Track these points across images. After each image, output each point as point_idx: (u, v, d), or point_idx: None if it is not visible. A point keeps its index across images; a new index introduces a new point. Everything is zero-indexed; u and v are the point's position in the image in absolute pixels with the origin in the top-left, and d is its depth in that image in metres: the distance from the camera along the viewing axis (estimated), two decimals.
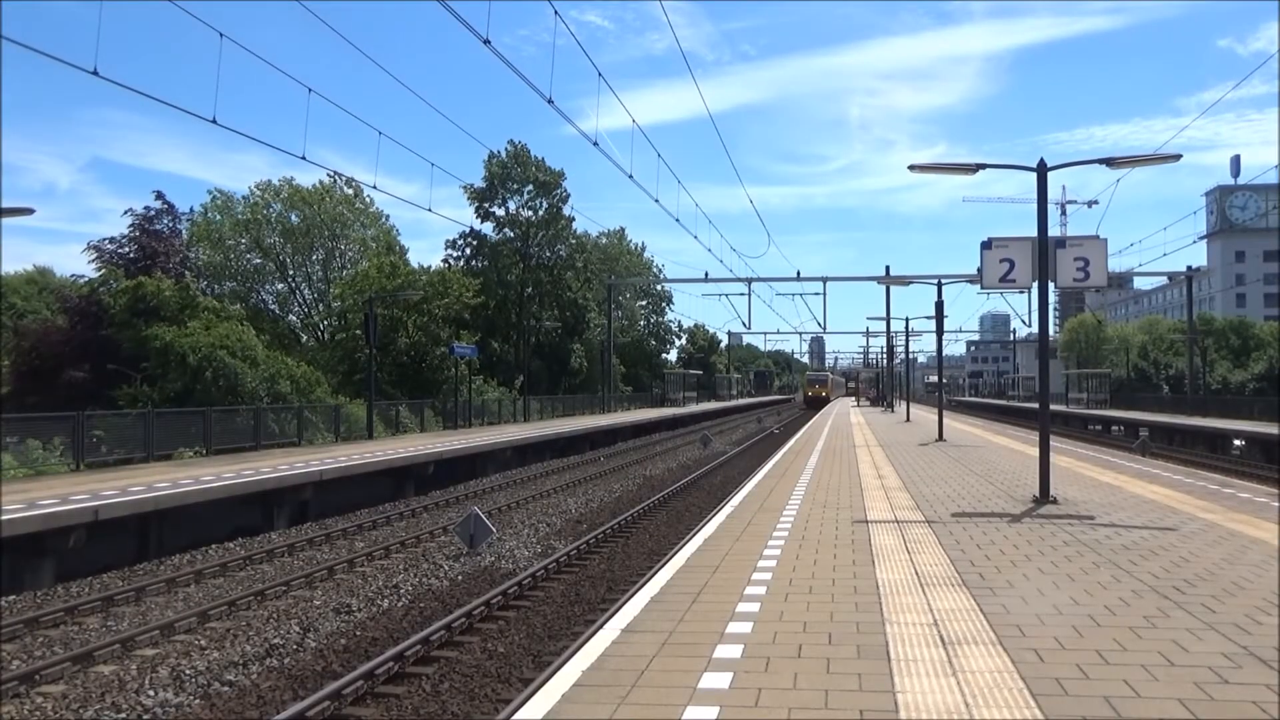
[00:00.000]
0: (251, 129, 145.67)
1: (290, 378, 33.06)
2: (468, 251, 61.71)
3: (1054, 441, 17.32)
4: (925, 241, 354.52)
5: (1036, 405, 15.22)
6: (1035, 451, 14.31)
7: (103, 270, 36.22)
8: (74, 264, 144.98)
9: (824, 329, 56.56)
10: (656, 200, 28.74)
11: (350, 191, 56.38)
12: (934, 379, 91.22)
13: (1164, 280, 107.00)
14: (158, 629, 10.71)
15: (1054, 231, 14.18)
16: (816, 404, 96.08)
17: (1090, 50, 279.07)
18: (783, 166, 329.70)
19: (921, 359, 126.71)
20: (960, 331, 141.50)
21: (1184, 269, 61.02)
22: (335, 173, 61.60)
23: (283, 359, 34.53)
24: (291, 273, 56.97)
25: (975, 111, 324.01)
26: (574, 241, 65.38)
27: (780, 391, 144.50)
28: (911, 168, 14.12)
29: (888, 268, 51.11)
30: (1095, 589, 7.40)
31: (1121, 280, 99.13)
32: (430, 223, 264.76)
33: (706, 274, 57.15)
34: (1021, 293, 29.26)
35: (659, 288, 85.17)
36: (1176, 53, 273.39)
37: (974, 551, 9.09)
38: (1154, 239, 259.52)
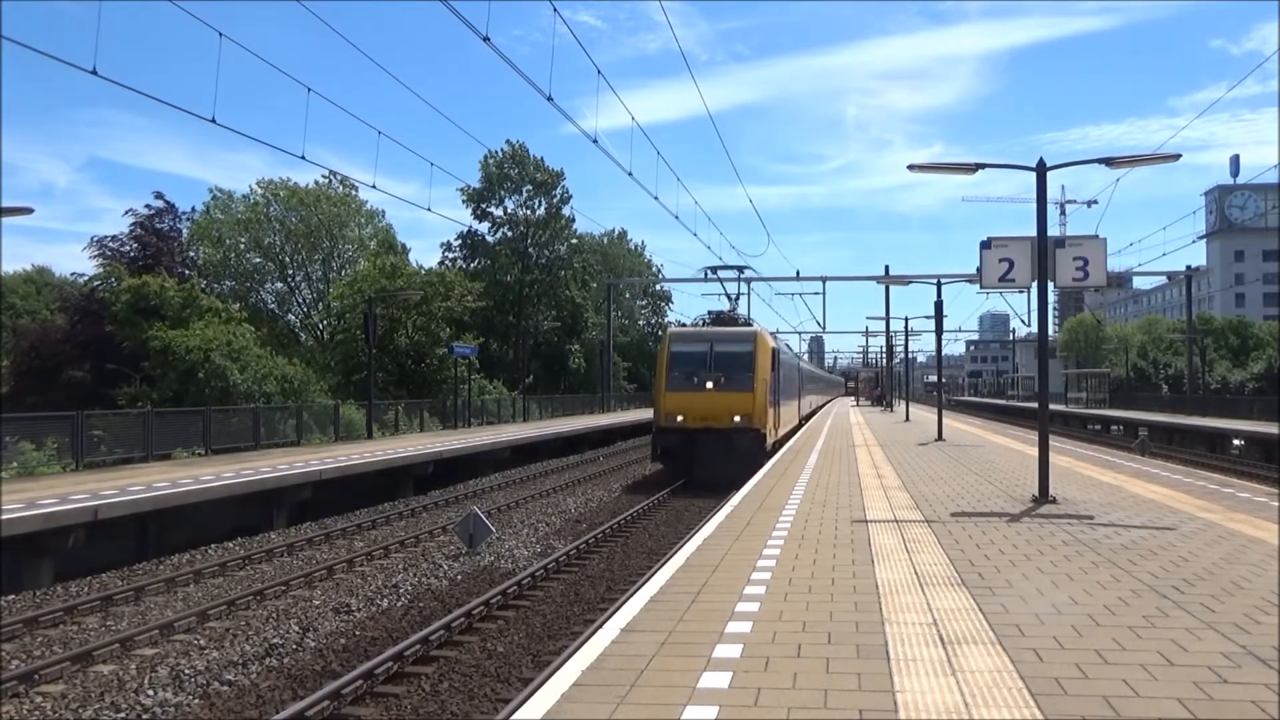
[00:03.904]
0: (251, 129, 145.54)
1: (281, 378, 33.06)
2: (463, 254, 61.68)
3: (1053, 441, 17.33)
4: (924, 241, 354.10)
5: (1036, 405, 15.21)
6: (1034, 451, 14.31)
7: (104, 267, 36.23)
8: (72, 263, 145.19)
9: (823, 329, 56.28)
10: (656, 197, 28.28)
11: (345, 190, 56.42)
12: (933, 378, 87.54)
13: (1163, 280, 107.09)
14: (157, 629, 10.70)
15: (1053, 231, 14.17)
16: (693, 458, 23.01)
17: (1084, 50, 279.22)
18: (779, 166, 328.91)
19: (921, 358, 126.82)
20: (960, 331, 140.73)
21: (1183, 269, 61.12)
22: (331, 172, 61.61)
23: (272, 359, 34.53)
24: (291, 272, 57.00)
25: (971, 111, 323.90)
26: (574, 242, 65.32)
27: None
28: (911, 167, 14.11)
29: (887, 267, 51.08)
30: (1094, 588, 7.40)
31: (1121, 280, 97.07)
32: (429, 222, 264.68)
33: (706, 274, 57.06)
34: (1021, 292, 29.23)
35: (658, 287, 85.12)
36: (1170, 53, 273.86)
37: (973, 551, 9.09)
38: (1153, 239, 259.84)
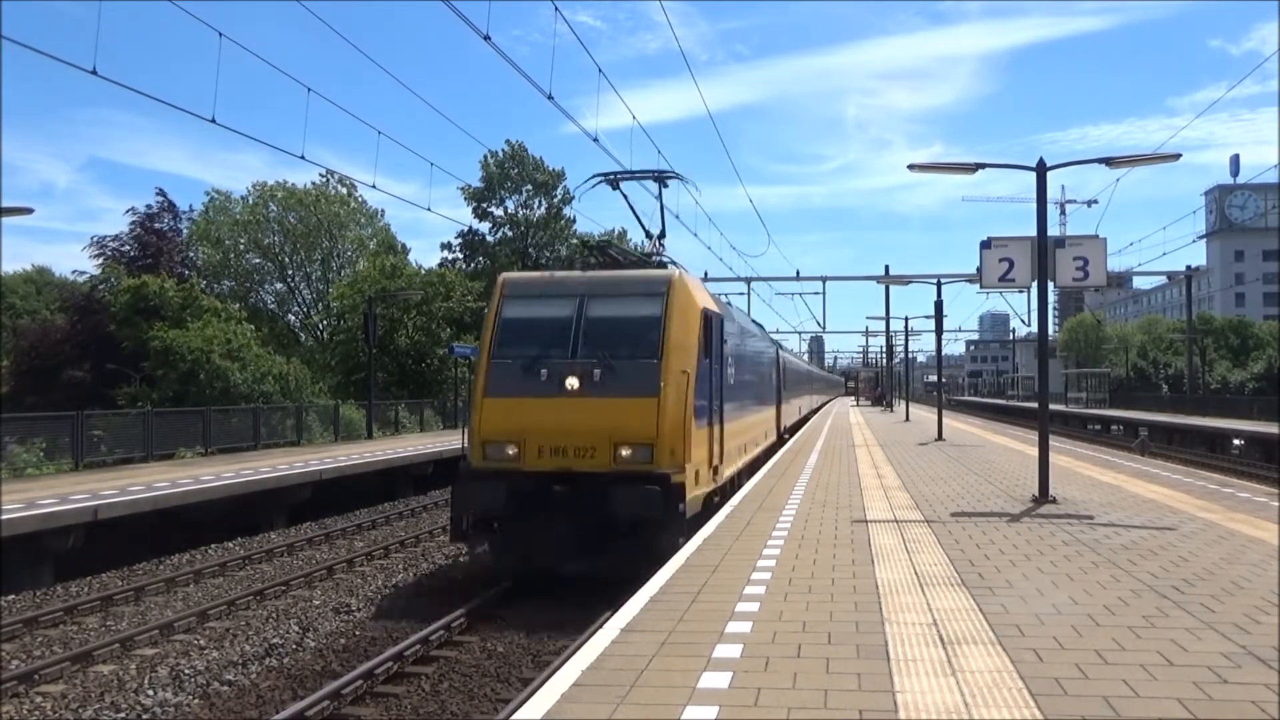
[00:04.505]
0: (251, 129, 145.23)
1: (278, 376, 33.09)
2: (463, 253, 61.66)
3: (1053, 441, 17.33)
4: (924, 241, 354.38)
5: (1036, 405, 15.21)
6: (1034, 451, 14.31)
7: (104, 267, 36.32)
8: (72, 263, 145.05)
9: (823, 329, 56.34)
10: (657, 197, 28.24)
11: (344, 190, 56.49)
12: (933, 378, 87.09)
13: (1163, 280, 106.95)
14: (157, 629, 10.71)
15: (1053, 231, 14.17)
16: (535, 535, 11.36)
17: (1083, 50, 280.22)
18: (780, 166, 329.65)
19: (921, 358, 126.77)
20: (960, 331, 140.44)
21: (1183, 268, 61.06)
22: (329, 171, 61.62)
23: (271, 358, 34.57)
24: (290, 273, 57.05)
25: (971, 111, 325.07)
26: (574, 242, 65.28)
27: None
28: (911, 167, 14.13)
29: (887, 267, 51.00)
30: (1094, 588, 7.40)
31: (1121, 280, 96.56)
32: (429, 222, 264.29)
33: (706, 273, 56.95)
34: (1021, 292, 29.19)
35: None
36: (1169, 53, 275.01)
37: (973, 551, 9.09)
38: (1153, 238, 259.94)
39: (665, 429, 11.42)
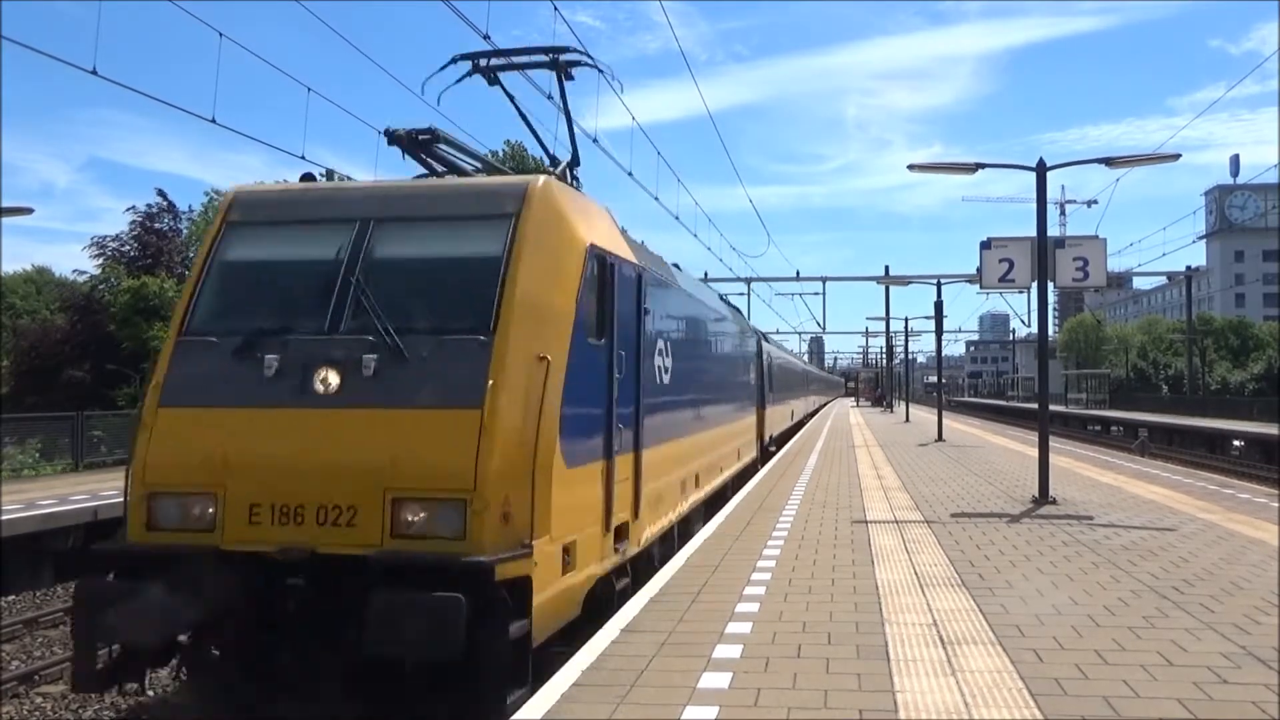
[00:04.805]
0: (250, 129, 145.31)
1: None
2: None
3: (1053, 442, 17.32)
4: (924, 241, 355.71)
5: (1036, 405, 15.22)
6: (1034, 452, 14.31)
7: (104, 267, 36.29)
8: (72, 263, 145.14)
9: (823, 329, 56.33)
10: (656, 198, 28.01)
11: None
12: (933, 379, 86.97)
13: (1163, 280, 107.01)
14: None
15: (1053, 231, 14.18)
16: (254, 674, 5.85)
17: (1083, 50, 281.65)
18: (780, 166, 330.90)
19: (921, 359, 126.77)
20: (960, 331, 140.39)
21: (1183, 269, 61.10)
22: (329, 171, 61.67)
23: None
24: None
25: (970, 111, 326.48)
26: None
27: None
28: (911, 167, 14.16)
29: (887, 267, 51.03)
30: (1094, 589, 7.40)
31: (1120, 280, 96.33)
32: None
33: (706, 274, 56.94)
34: (1021, 292, 29.09)
35: None
36: (1168, 53, 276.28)
37: (973, 552, 9.09)
38: (1153, 239, 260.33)
39: (493, 468, 5.86)
